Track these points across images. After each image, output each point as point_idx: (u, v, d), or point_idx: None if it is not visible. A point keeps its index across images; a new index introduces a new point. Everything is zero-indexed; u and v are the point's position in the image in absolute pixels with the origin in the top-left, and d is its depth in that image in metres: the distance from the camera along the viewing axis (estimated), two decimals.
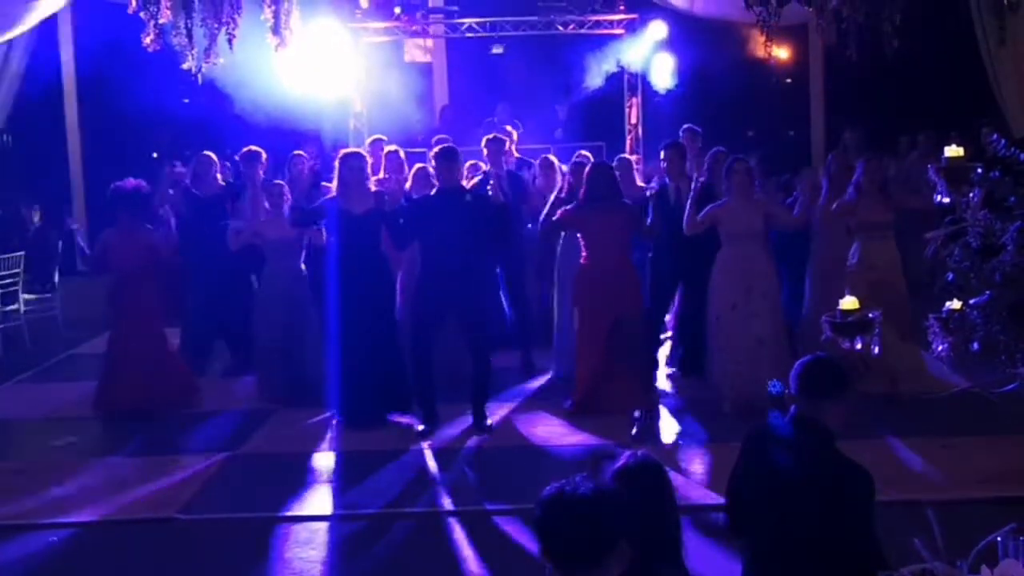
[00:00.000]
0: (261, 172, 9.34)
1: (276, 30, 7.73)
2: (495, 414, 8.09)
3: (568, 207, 8.11)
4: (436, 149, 8.04)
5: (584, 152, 9.95)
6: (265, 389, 8.73)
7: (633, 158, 11.36)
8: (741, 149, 9.60)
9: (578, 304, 8.13)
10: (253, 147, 9.54)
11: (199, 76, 7.66)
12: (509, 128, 11.15)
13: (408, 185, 8.76)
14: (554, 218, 8.17)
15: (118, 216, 8.59)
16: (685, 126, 10.66)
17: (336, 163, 8.02)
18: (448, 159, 7.83)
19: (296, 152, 10.14)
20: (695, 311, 8.87)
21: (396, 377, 7.96)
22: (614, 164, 9.63)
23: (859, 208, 8.17)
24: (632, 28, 12.93)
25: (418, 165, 9.08)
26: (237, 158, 9.76)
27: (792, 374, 3.94)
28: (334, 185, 8.00)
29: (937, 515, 5.83)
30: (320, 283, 8.25)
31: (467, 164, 9.18)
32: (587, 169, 8.26)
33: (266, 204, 8.74)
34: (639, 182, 9.76)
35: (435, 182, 8.06)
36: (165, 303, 8.79)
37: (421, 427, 7.79)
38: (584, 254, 8.08)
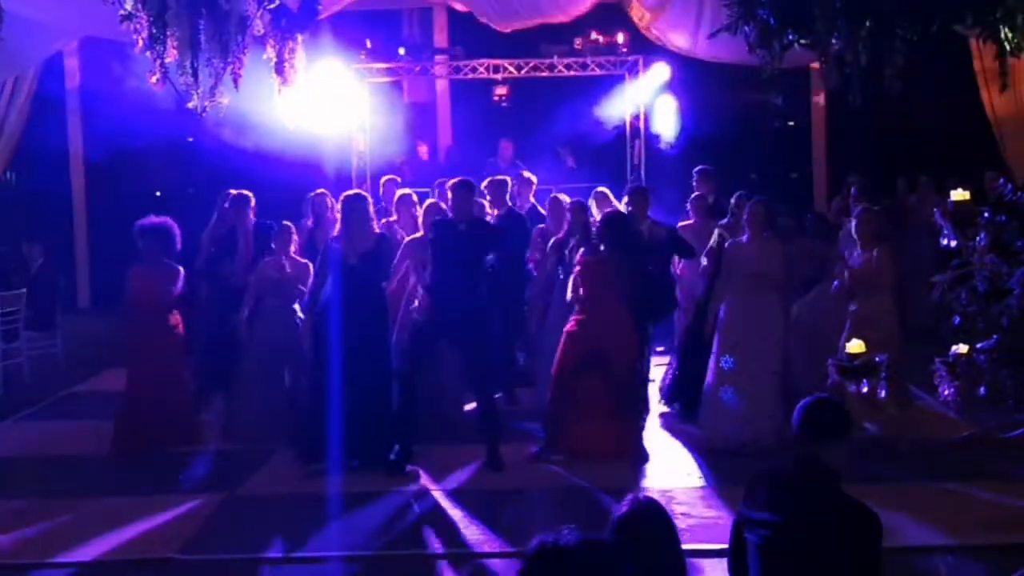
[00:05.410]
0: (252, 215, 9.40)
1: (279, 70, 7.75)
2: (479, 456, 8.02)
3: (584, 266, 8.07)
4: (454, 181, 8.16)
5: (603, 189, 9.97)
6: (238, 429, 8.71)
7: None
8: (744, 191, 9.61)
9: (563, 342, 8.07)
10: (243, 191, 9.62)
11: (204, 115, 7.67)
12: (527, 174, 11.11)
13: (421, 221, 8.82)
14: (575, 291, 8.11)
15: (143, 252, 8.63)
16: (699, 168, 10.55)
17: (339, 204, 8.06)
18: (464, 190, 7.98)
19: (319, 191, 10.14)
20: (682, 351, 8.91)
21: (384, 418, 7.91)
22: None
23: (850, 262, 8.09)
24: (635, 70, 13.01)
25: (429, 201, 9.14)
26: (227, 205, 9.78)
27: (794, 416, 3.91)
28: (337, 226, 8.04)
29: (944, 562, 5.82)
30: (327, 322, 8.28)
31: (428, 202, 9.27)
32: (601, 218, 8.25)
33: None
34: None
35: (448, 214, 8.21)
36: (188, 338, 8.83)
37: (392, 457, 7.79)
38: (583, 298, 8.07)
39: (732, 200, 9.32)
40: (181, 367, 8.75)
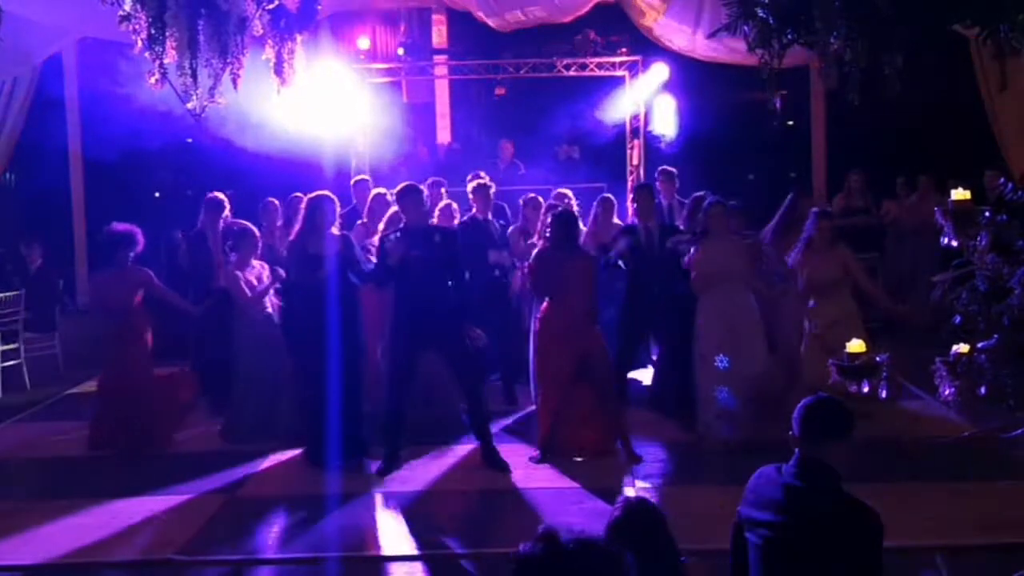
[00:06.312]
0: (221, 222, 9.43)
1: (279, 70, 7.73)
2: (474, 452, 8.06)
3: (531, 261, 8.13)
4: (399, 187, 8.05)
5: (564, 191, 9.95)
6: (233, 431, 8.75)
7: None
8: (743, 191, 9.64)
9: (538, 348, 8.10)
10: (217, 195, 9.64)
11: (203, 116, 7.65)
12: (483, 174, 11.08)
13: (381, 227, 8.79)
14: (529, 279, 8.20)
15: (111, 257, 8.70)
16: (660, 168, 10.79)
17: (303, 207, 8.06)
18: (411, 197, 7.89)
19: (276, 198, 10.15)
20: (674, 351, 8.89)
21: (358, 419, 7.92)
22: (596, 203, 9.74)
23: (809, 267, 8.09)
24: (634, 71, 13.01)
25: (393, 210, 9.10)
26: (202, 212, 9.81)
27: (794, 416, 3.89)
28: (296, 228, 8.05)
29: (945, 561, 5.81)
30: (293, 326, 8.34)
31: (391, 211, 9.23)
32: (549, 217, 8.27)
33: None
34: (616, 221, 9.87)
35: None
36: (161, 339, 8.92)
37: (377, 467, 7.82)
38: (546, 300, 8.07)
39: (688, 203, 9.36)
40: (149, 369, 8.79)
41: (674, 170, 10.68)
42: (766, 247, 8.75)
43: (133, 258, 8.69)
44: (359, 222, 9.84)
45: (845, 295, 8.11)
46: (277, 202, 10.19)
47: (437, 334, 7.77)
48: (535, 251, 8.17)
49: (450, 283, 7.82)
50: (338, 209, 8.17)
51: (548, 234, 8.07)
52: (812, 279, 8.02)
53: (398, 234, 7.80)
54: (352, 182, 11.18)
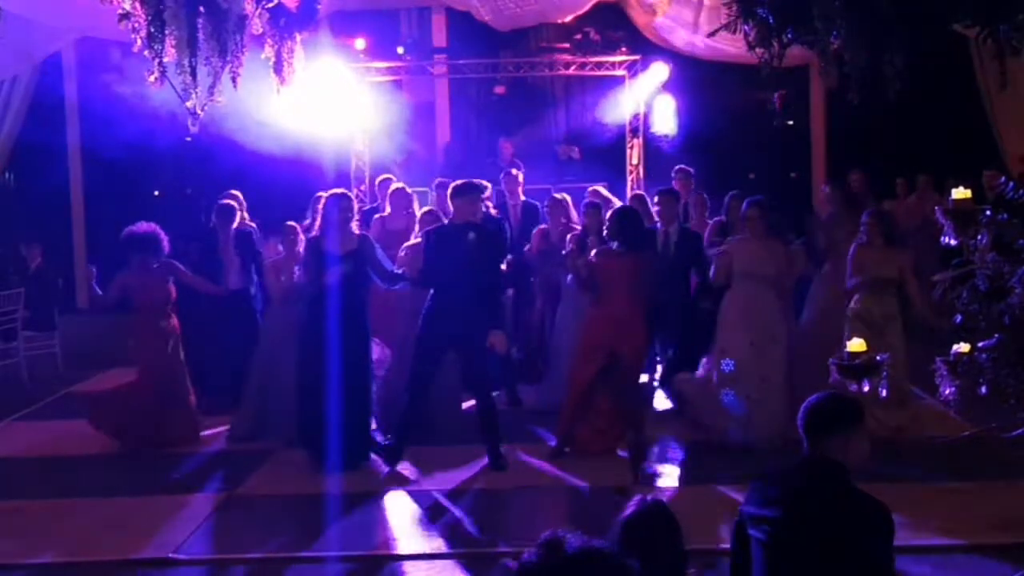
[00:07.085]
0: (233, 226, 9.39)
1: (278, 69, 7.73)
2: (476, 451, 8.03)
3: (594, 257, 8.05)
4: (456, 184, 8.04)
5: (599, 188, 9.97)
6: (240, 431, 8.74)
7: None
8: (743, 191, 9.64)
9: (580, 344, 8.09)
10: (229, 201, 9.61)
11: (202, 115, 7.65)
12: (514, 172, 11.15)
13: (417, 228, 8.78)
14: (584, 273, 8.09)
15: (131, 258, 8.64)
16: (677, 167, 10.78)
17: (322, 204, 8.04)
18: (468, 195, 7.90)
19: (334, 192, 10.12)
20: (684, 351, 8.88)
21: (362, 421, 7.90)
22: (630, 199, 9.76)
23: (859, 262, 8.06)
24: (634, 70, 13.00)
25: (426, 208, 9.10)
26: (214, 216, 9.79)
27: (800, 413, 3.87)
28: (317, 225, 8.03)
29: (944, 562, 5.81)
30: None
31: (424, 209, 9.24)
32: (611, 213, 8.18)
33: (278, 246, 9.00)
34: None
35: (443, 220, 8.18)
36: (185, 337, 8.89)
37: (379, 463, 7.87)
38: (597, 295, 8.03)
39: (725, 200, 9.41)
40: (180, 368, 8.79)
41: (691, 169, 10.70)
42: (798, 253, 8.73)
43: (154, 259, 8.63)
44: (376, 216, 9.84)
45: (891, 298, 8.03)
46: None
47: (463, 333, 7.75)
48: (596, 250, 8.11)
49: (484, 281, 7.77)
50: (355, 205, 8.16)
51: (607, 231, 8.03)
52: (864, 275, 7.96)
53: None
54: (377, 181, 11.19)
